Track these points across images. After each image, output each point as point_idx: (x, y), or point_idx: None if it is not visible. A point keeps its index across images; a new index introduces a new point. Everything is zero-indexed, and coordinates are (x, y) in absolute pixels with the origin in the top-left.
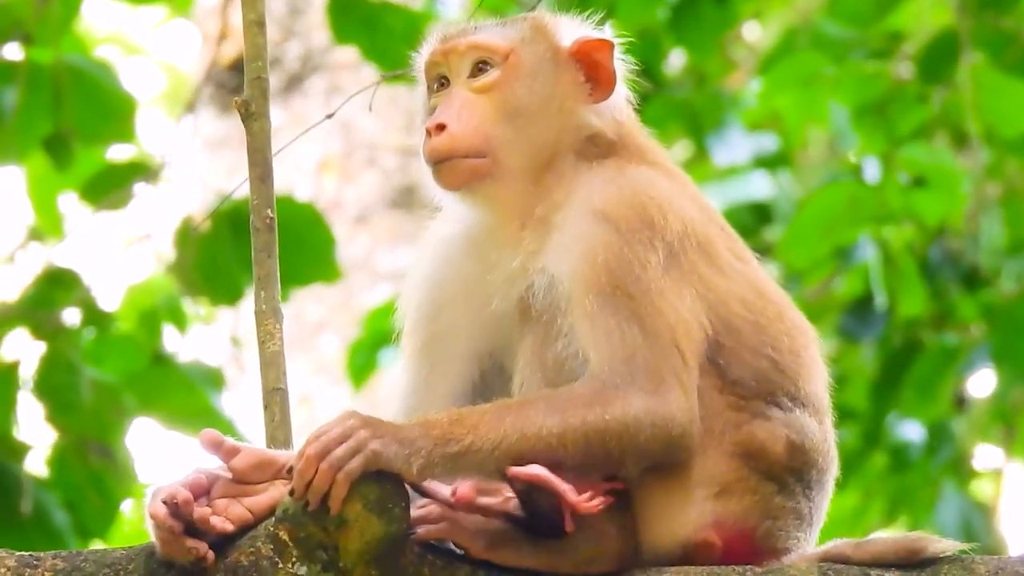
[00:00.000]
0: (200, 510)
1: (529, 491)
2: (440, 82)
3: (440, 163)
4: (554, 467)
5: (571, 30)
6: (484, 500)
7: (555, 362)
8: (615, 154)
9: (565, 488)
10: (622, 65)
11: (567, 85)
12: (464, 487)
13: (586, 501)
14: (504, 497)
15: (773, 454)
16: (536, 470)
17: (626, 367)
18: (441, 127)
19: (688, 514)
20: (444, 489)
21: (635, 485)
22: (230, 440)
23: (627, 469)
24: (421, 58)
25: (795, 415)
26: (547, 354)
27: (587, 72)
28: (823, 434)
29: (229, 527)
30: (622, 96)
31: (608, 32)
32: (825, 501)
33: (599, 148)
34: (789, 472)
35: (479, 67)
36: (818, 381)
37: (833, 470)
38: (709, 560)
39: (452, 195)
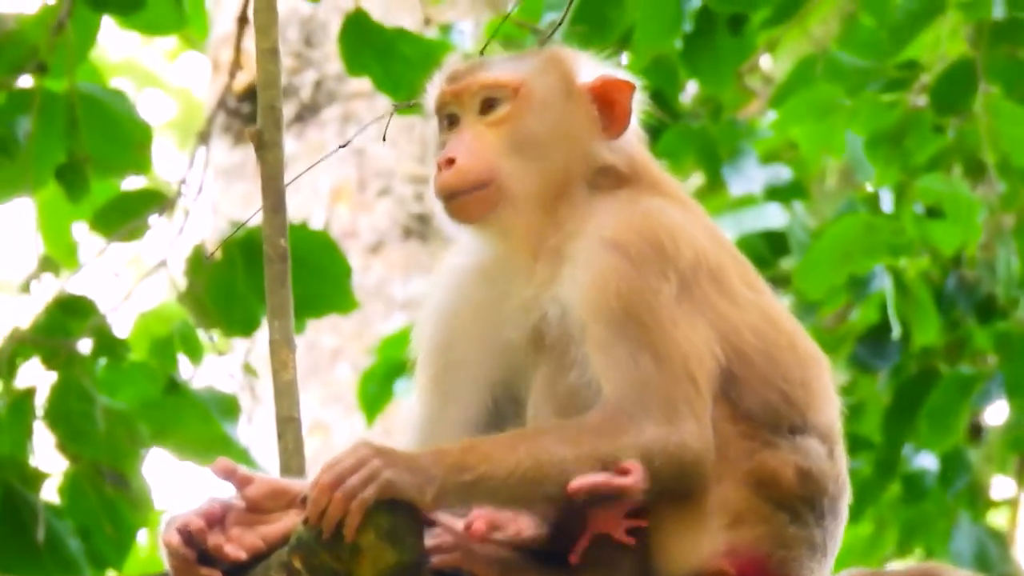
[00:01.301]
0: (214, 538)
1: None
2: (450, 119)
3: (451, 198)
4: (567, 498)
5: (590, 66)
6: (497, 535)
7: (568, 392)
8: (628, 185)
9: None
10: (638, 105)
11: (580, 118)
12: (479, 522)
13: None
14: (516, 530)
15: (785, 482)
16: (597, 476)
17: (639, 396)
18: (451, 161)
19: (701, 543)
20: (457, 522)
21: (648, 514)
22: (243, 469)
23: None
24: (431, 97)
25: (803, 444)
26: (560, 384)
27: (602, 109)
28: (834, 462)
29: (242, 555)
30: (635, 132)
31: (626, 73)
32: (839, 530)
33: (611, 180)
34: (801, 501)
35: (488, 103)
36: (827, 410)
37: (845, 498)
38: None
39: (465, 228)
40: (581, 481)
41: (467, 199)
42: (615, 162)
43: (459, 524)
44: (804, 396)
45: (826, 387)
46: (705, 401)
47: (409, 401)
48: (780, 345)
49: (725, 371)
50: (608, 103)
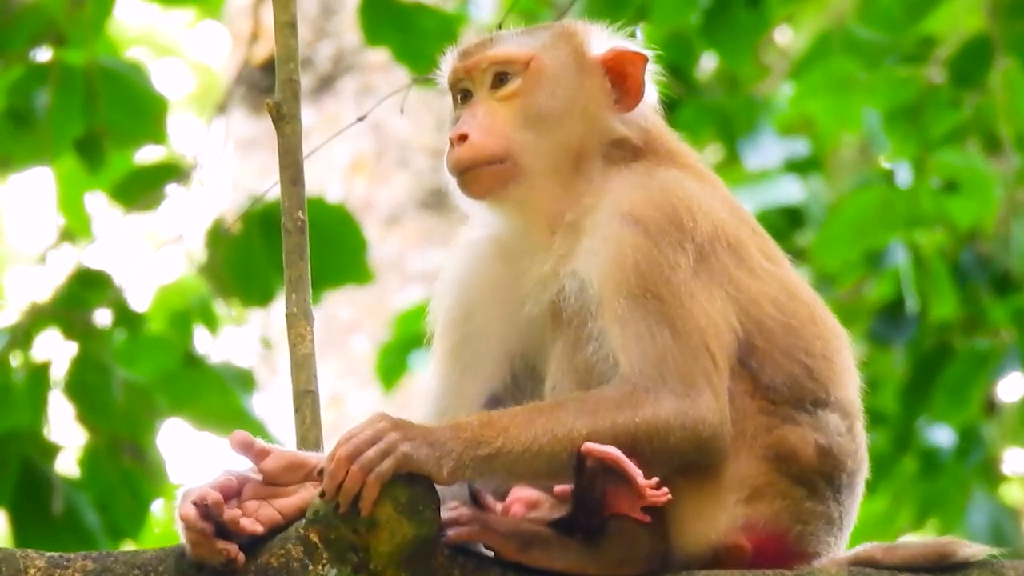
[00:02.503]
0: (230, 512)
1: (592, 477)
2: (464, 94)
3: (464, 172)
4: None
5: (603, 39)
6: (533, 515)
7: (586, 365)
8: (644, 158)
9: (636, 472)
10: (652, 76)
11: (593, 91)
12: (517, 505)
13: (654, 488)
14: (548, 509)
15: (804, 458)
16: (612, 449)
17: (656, 370)
18: (463, 137)
19: (719, 518)
20: (495, 504)
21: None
22: (260, 442)
23: (658, 471)
24: (444, 73)
25: (825, 420)
26: (578, 357)
27: (615, 81)
28: (853, 438)
29: (259, 529)
30: (650, 104)
31: (640, 44)
32: (855, 505)
33: (627, 152)
34: (819, 476)
35: (500, 78)
36: (850, 386)
37: (863, 473)
38: (739, 564)
39: (479, 203)
40: (595, 447)
41: (479, 173)
42: (630, 134)
43: (497, 506)
44: (826, 370)
45: (847, 362)
46: (723, 375)
47: (426, 373)
48: (801, 317)
49: (744, 343)
50: (621, 75)
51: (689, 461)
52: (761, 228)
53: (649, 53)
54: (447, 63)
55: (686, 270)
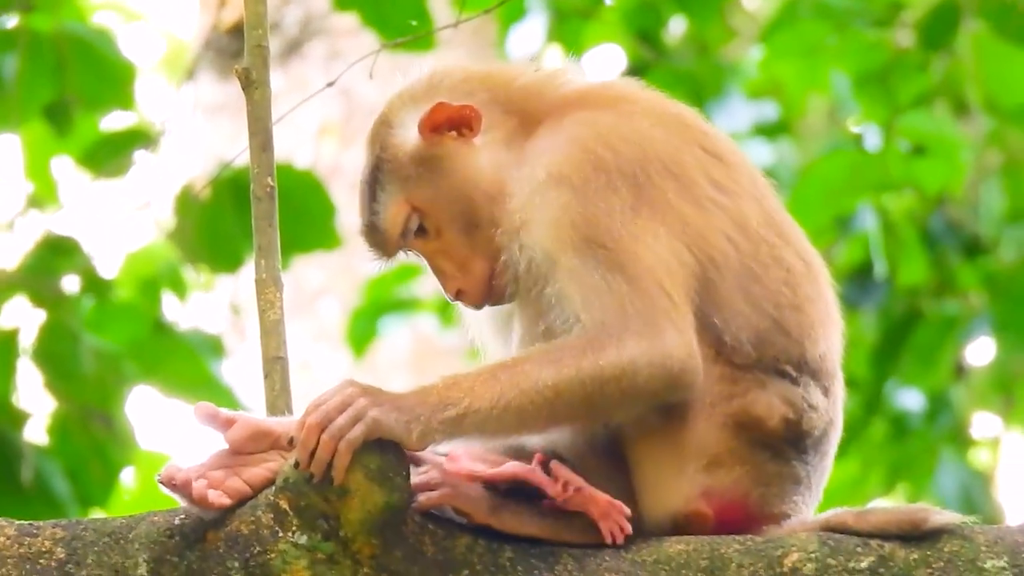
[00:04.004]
0: (197, 487)
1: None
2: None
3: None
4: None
5: (407, 123)
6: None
7: (549, 332)
8: (541, 122)
9: (545, 481)
10: (466, 90)
11: (452, 158)
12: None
13: (563, 493)
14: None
15: (768, 427)
16: (511, 468)
17: (616, 315)
18: (459, 292)
19: (679, 486)
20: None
21: (628, 457)
22: (225, 411)
23: (632, 414)
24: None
25: (798, 388)
26: (540, 325)
27: (448, 128)
28: (828, 400)
29: (226, 501)
30: (506, 93)
31: (429, 90)
32: (826, 461)
33: (528, 125)
34: (783, 441)
35: (417, 231)
36: (826, 339)
37: (835, 435)
38: (702, 531)
39: None
40: (496, 472)
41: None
42: (501, 145)
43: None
44: (799, 323)
45: (824, 307)
46: (683, 311)
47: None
48: (761, 259)
49: (701, 280)
50: (447, 124)
51: (661, 400)
52: (732, 153)
53: (438, 93)
54: (367, 249)
55: (624, 212)
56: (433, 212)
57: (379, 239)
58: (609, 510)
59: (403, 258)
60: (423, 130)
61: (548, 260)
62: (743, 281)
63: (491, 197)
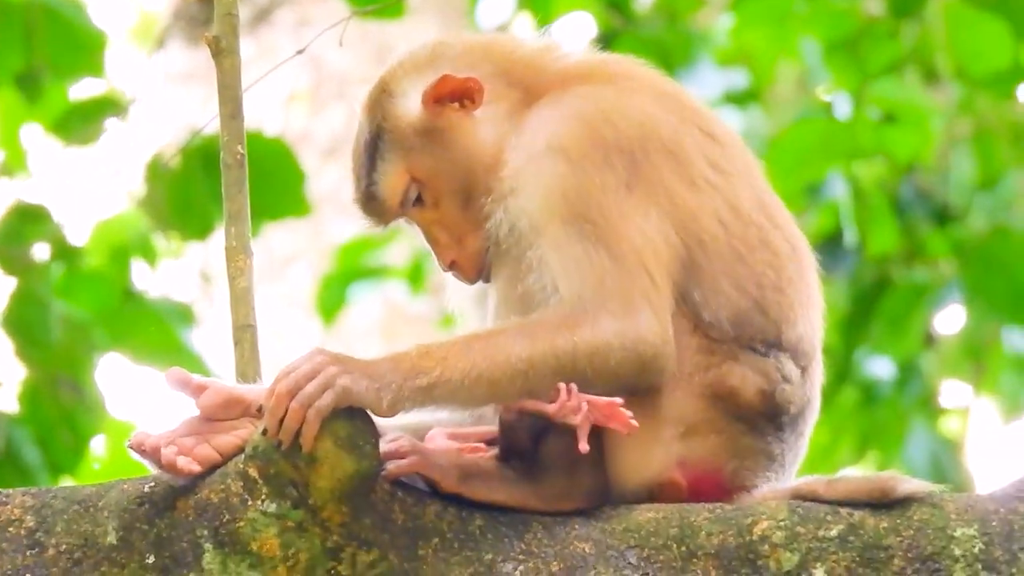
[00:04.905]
0: (166, 454)
1: (517, 421)
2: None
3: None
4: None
5: (410, 93)
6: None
7: (526, 296)
8: (541, 95)
9: (549, 408)
10: (468, 62)
11: (454, 130)
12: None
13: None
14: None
15: (743, 399)
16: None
17: (595, 292)
18: (453, 263)
19: (654, 454)
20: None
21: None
22: (197, 377)
23: (602, 392)
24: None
25: (771, 362)
26: (518, 289)
27: (451, 100)
28: (805, 378)
29: (196, 468)
30: (507, 65)
31: (432, 60)
32: (801, 441)
33: (528, 98)
34: (760, 415)
35: (414, 200)
36: (806, 321)
37: (812, 414)
38: (675, 499)
39: None
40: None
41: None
42: (502, 118)
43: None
44: (779, 304)
45: (806, 290)
46: (663, 294)
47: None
48: (749, 241)
49: (686, 261)
50: (450, 96)
51: (633, 381)
52: (727, 135)
53: (446, 62)
54: (362, 218)
55: (617, 189)
56: (432, 183)
57: (376, 207)
58: (612, 410)
59: (395, 226)
60: (427, 101)
61: (534, 227)
62: (729, 262)
63: (490, 169)
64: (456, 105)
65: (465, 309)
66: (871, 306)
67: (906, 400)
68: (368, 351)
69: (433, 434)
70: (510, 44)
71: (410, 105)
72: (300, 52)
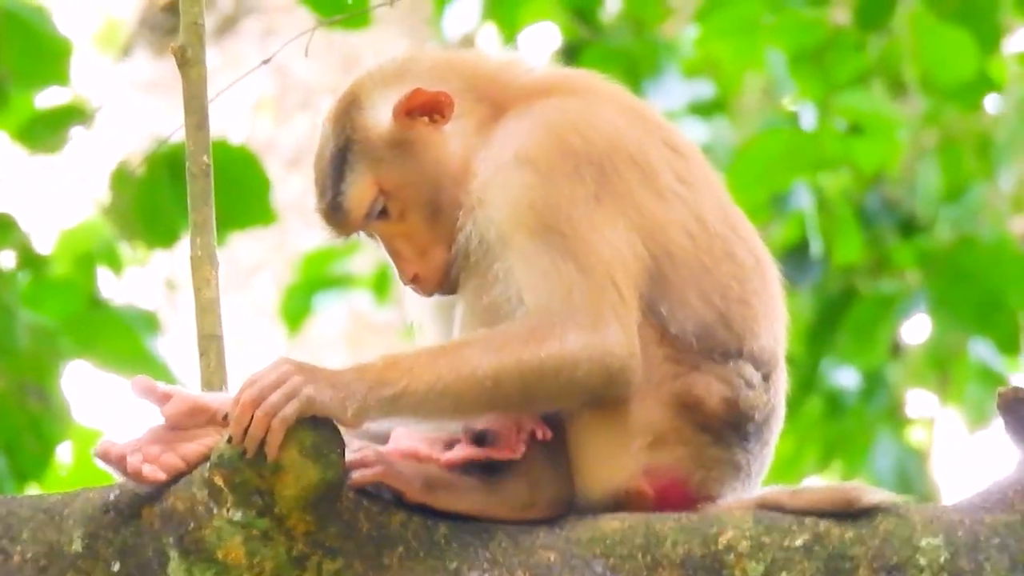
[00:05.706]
0: (132, 462)
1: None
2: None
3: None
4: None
5: (380, 105)
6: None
7: (493, 307)
8: (508, 109)
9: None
10: (438, 75)
11: (424, 143)
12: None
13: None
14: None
15: (708, 408)
16: (461, 453)
17: (562, 305)
18: (415, 277)
19: (621, 463)
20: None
21: (569, 434)
22: (162, 385)
23: (568, 405)
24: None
25: (733, 370)
26: (485, 299)
27: (421, 113)
28: (767, 387)
29: (161, 476)
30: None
31: (402, 73)
32: (766, 452)
33: (495, 112)
34: (725, 425)
35: (379, 213)
36: (769, 331)
37: (776, 423)
38: (641, 509)
39: None
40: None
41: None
42: (471, 132)
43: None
44: (743, 317)
45: (770, 301)
46: (630, 308)
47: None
48: (715, 253)
49: (654, 272)
50: (420, 112)
51: (599, 394)
52: (689, 148)
53: (413, 83)
54: (324, 229)
55: (586, 200)
56: (400, 195)
57: (341, 218)
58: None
59: (355, 238)
60: (398, 114)
61: (501, 239)
62: (695, 274)
63: (459, 182)
64: (426, 119)
65: (424, 320)
66: (837, 316)
67: (872, 410)
68: (333, 360)
69: (398, 434)
70: (476, 59)
71: (380, 117)
72: (266, 62)
